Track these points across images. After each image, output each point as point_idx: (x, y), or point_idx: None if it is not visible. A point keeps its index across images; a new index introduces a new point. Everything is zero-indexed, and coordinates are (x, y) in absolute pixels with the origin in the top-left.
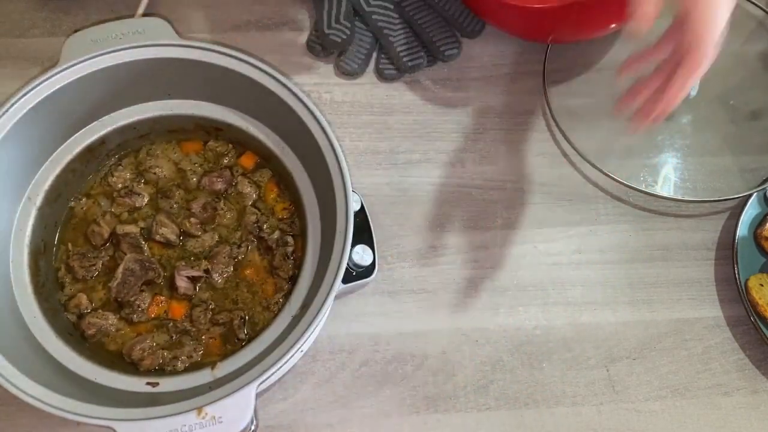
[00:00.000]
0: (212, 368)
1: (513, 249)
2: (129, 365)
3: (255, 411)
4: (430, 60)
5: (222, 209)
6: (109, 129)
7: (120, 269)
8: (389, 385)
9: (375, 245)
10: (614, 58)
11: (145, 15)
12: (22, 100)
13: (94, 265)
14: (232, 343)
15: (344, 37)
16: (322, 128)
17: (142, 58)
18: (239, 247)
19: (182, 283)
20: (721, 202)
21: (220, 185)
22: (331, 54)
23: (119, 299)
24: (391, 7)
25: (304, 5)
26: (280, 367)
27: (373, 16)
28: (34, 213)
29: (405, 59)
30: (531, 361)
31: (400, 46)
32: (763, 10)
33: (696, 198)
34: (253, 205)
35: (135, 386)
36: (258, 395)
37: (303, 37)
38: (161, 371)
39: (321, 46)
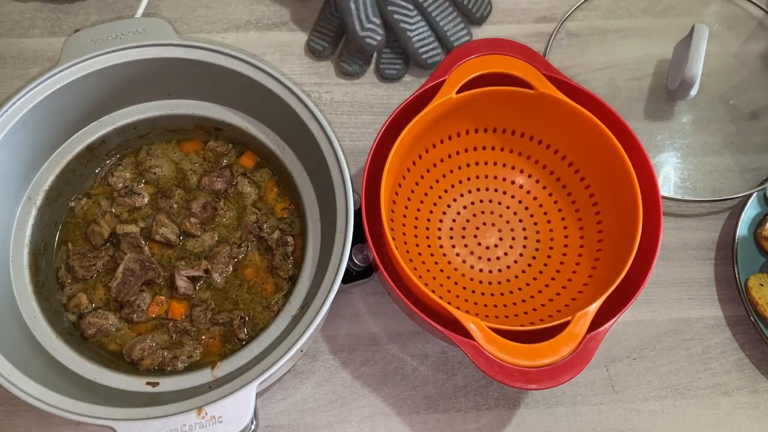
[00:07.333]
0: (212, 368)
1: None
2: (129, 365)
3: (255, 411)
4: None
5: (222, 209)
6: (109, 129)
7: (120, 269)
8: (389, 385)
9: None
10: (614, 57)
11: (145, 15)
12: (22, 100)
13: (94, 265)
14: (232, 343)
15: (379, 38)
16: (322, 128)
17: (142, 58)
18: (239, 247)
19: (182, 283)
20: (721, 202)
21: (220, 185)
22: (367, 57)
23: (119, 299)
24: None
25: (304, 5)
26: (280, 367)
27: (389, 8)
28: (34, 213)
29: (424, 57)
30: None
31: (418, 42)
32: (763, 10)
33: (696, 198)
34: (253, 205)
35: (135, 386)
36: (258, 395)
37: (303, 37)
38: (161, 371)
39: (358, 51)
